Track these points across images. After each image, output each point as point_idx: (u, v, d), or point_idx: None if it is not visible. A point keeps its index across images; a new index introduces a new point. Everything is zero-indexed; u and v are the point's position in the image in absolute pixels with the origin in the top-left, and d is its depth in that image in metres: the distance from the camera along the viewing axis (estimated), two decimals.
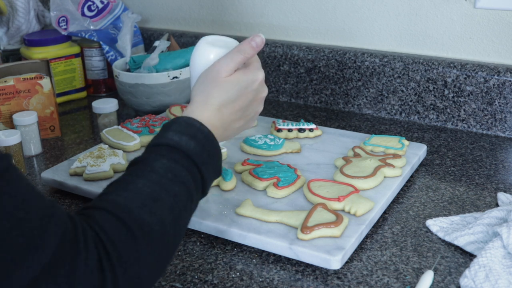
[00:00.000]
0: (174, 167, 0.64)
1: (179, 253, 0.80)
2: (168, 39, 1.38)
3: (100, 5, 1.50)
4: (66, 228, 0.51)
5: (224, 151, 1.01)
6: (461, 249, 0.78)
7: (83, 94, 1.47)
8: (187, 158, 0.66)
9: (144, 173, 0.63)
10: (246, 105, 0.76)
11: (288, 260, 0.78)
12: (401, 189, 0.94)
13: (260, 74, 0.77)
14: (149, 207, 0.59)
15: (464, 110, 1.17)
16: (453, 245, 0.79)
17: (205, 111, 0.72)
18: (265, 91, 0.80)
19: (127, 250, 0.55)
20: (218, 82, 0.74)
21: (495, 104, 1.14)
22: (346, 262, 0.77)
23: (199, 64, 0.79)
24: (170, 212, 0.61)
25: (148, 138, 1.08)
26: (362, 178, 0.89)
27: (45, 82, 1.16)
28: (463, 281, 0.70)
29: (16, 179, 0.50)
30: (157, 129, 1.11)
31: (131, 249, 0.55)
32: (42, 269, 0.48)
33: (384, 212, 0.88)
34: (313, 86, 1.34)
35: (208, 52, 0.78)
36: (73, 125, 1.29)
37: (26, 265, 0.48)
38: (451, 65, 1.16)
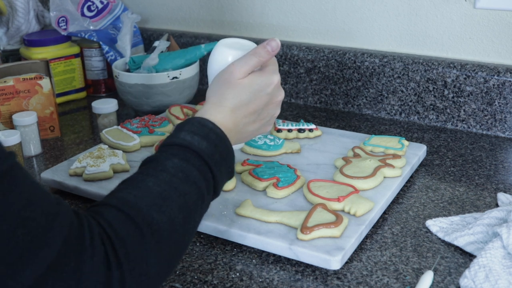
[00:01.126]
0: (186, 167, 0.64)
1: None
2: (167, 39, 1.38)
3: (100, 5, 1.50)
4: (71, 225, 0.52)
5: None
6: (461, 249, 0.78)
7: (82, 94, 1.46)
8: (199, 158, 0.66)
9: (155, 172, 0.63)
10: (261, 108, 0.76)
11: (288, 260, 0.78)
12: (401, 190, 0.94)
13: (275, 78, 0.76)
14: (159, 205, 0.59)
15: (464, 110, 1.17)
16: (453, 245, 0.79)
17: (218, 112, 0.72)
18: (281, 95, 0.79)
19: (135, 247, 0.55)
20: (231, 84, 0.74)
21: (495, 104, 1.14)
22: (346, 263, 0.77)
23: (216, 67, 0.78)
24: (179, 211, 0.61)
25: (148, 139, 1.08)
26: (362, 178, 0.89)
27: (45, 82, 1.16)
28: (463, 281, 0.70)
29: (21, 177, 0.50)
30: (157, 129, 1.11)
31: (139, 246, 0.55)
32: (48, 267, 0.49)
33: (384, 213, 0.88)
34: (313, 86, 1.34)
35: (226, 54, 0.78)
36: (73, 125, 1.29)
37: (32, 263, 0.48)
38: (451, 65, 1.16)
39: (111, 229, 0.55)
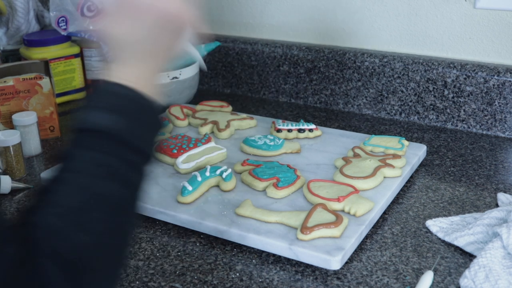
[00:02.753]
0: (103, 159, 0.55)
1: (179, 253, 0.80)
2: None
3: (100, 5, 1.50)
4: (7, 268, 0.47)
5: (223, 151, 1.01)
6: (461, 249, 0.78)
7: (82, 94, 1.46)
8: (115, 141, 0.56)
9: (70, 179, 0.54)
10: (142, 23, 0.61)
11: (288, 260, 0.78)
12: (401, 190, 0.94)
13: None
14: (83, 226, 0.52)
15: (464, 110, 1.17)
16: (453, 245, 0.79)
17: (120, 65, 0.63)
18: None
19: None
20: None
21: (495, 105, 1.13)
22: (346, 263, 0.77)
23: None
24: (108, 220, 0.54)
25: None
26: (362, 178, 0.89)
27: (45, 82, 1.16)
28: (463, 281, 0.70)
29: None
30: None
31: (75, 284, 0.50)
32: None
33: (384, 213, 0.88)
34: (313, 86, 1.34)
35: None
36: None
37: None
38: (451, 65, 1.16)
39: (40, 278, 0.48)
